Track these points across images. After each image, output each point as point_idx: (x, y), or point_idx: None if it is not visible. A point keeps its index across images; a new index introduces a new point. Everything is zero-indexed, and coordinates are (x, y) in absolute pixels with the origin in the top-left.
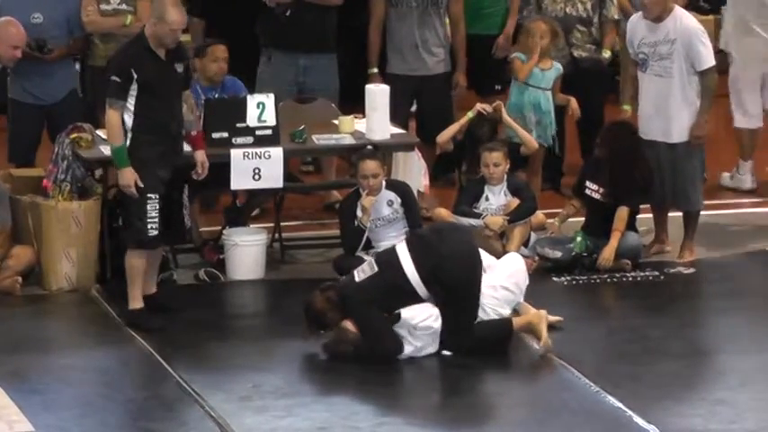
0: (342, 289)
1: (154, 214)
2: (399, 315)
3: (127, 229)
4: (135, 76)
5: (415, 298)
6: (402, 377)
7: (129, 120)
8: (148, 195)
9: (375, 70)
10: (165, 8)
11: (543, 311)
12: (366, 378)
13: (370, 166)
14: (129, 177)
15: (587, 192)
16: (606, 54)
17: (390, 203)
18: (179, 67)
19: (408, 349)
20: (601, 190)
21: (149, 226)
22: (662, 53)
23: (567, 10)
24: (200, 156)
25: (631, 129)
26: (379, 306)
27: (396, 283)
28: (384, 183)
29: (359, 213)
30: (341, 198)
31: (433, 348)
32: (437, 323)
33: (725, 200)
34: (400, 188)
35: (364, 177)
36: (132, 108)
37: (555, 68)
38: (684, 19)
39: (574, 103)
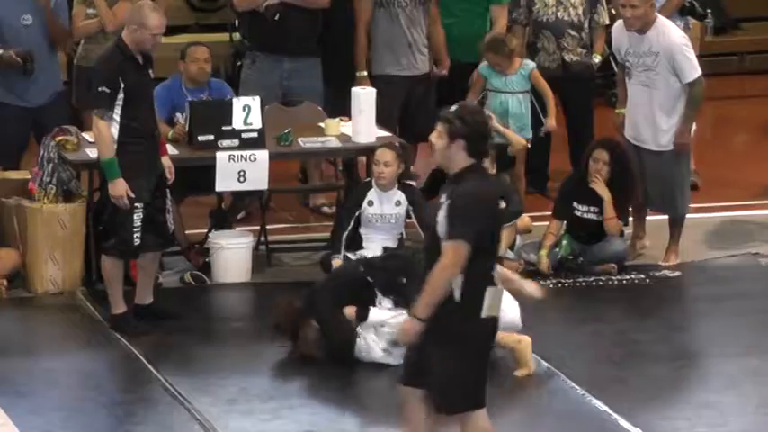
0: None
1: (138, 224)
2: (368, 311)
3: (110, 237)
4: (122, 86)
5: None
6: (387, 381)
7: (114, 130)
8: (135, 205)
9: (364, 73)
10: (146, 14)
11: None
12: (352, 381)
13: (386, 153)
14: (121, 189)
15: (577, 213)
16: (596, 59)
17: (398, 204)
18: (151, 73)
19: (374, 352)
20: (592, 209)
21: (134, 236)
22: (647, 64)
23: (559, 14)
24: (167, 161)
25: (626, 148)
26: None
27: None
28: (398, 183)
29: (364, 205)
30: (326, 201)
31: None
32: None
33: (711, 203)
34: (411, 192)
35: (377, 164)
36: (118, 118)
37: (522, 68)
38: (667, 32)
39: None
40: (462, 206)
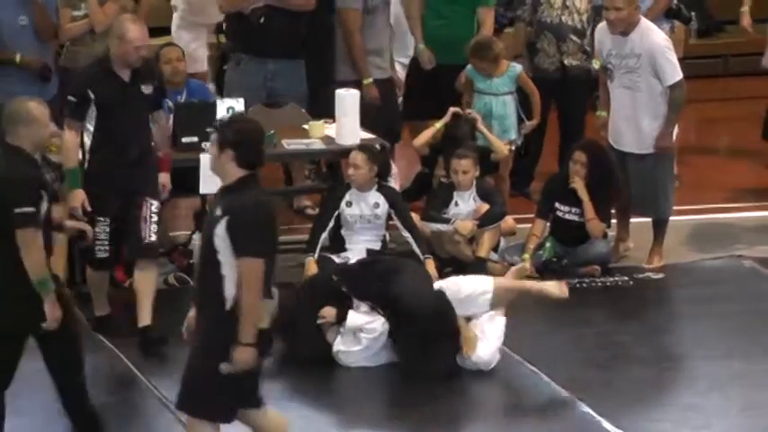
0: None
1: (103, 237)
2: (347, 314)
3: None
4: (92, 98)
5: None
6: (369, 382)
7: (88, 140)
8: (98, 218)
9: (371, 79)
10: (125, 26)
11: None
12: (334, 382)
13: (356, 156)
14: (78, 199)
15: (559, 214)
16: (596, 65)
17: (376, 206)
18: (146, 89)
19: (352, 356)
20: (574, 210)
21: (97, 248)
22: (629, 66)
23: (563, 18)
24: (163, 178)
25: (608, 150)
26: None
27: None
28: (376, 185)
29: (343, 206)
30: (309, 203)
31: (385, 358)
32: (384, 327)
33: (695, 205)
34: (390, 194)
35: (347, 165)
36: (91, 128)
37: (509, 71)
38: (650, 34)
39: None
40: (247, 221)
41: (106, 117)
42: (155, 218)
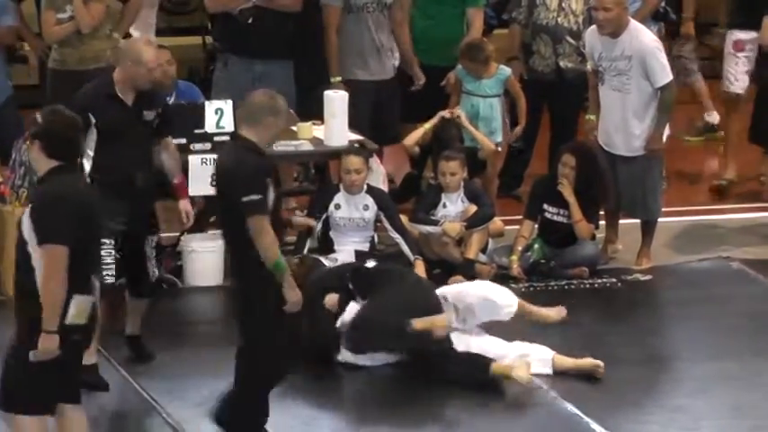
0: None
1: (109, 260)
2: (347, 305)
3: None
4: (93, 121)
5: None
6: (362, 383)
7: (87, 164)
8: (102, 240)
9: (339, 78)
10: (140, 49)
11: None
12: (326, 383)
13: (354, 161)
14: None
15: (547, 215)
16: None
17: (366, 208)
18: (148, 115)
19: (347, 354)
20: (562, 212)
21: (104, 273)
22: (619, 69)
23: (559, 20)
24: (183, 205)
25: (598, 153)
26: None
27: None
28: (365, 186)
29: (331, 209)
30: (297, 205)
31: (383, 359)
32: None
33: (681, 206)
34: (379, 197)
35: (347, 172)
36: (91, 153)
37: (498, 74)
38: (640, 35)
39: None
40: (44, 208)
41: (108, 143)
42: (153, 253)
